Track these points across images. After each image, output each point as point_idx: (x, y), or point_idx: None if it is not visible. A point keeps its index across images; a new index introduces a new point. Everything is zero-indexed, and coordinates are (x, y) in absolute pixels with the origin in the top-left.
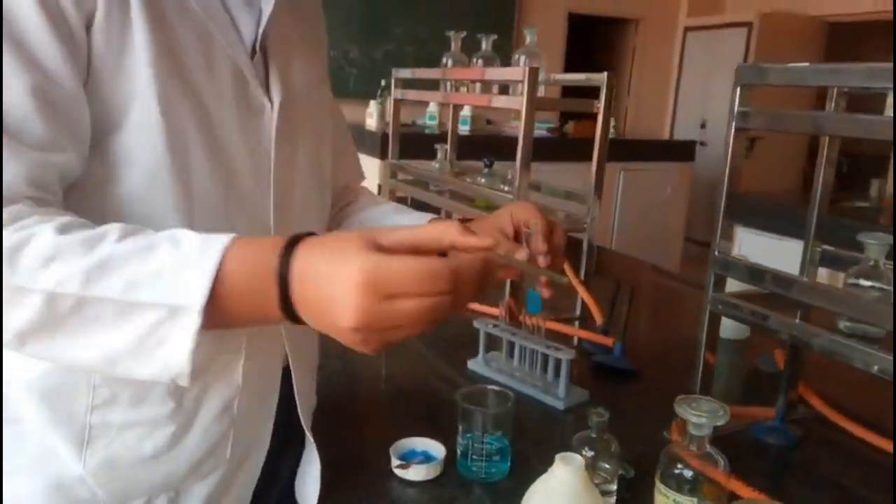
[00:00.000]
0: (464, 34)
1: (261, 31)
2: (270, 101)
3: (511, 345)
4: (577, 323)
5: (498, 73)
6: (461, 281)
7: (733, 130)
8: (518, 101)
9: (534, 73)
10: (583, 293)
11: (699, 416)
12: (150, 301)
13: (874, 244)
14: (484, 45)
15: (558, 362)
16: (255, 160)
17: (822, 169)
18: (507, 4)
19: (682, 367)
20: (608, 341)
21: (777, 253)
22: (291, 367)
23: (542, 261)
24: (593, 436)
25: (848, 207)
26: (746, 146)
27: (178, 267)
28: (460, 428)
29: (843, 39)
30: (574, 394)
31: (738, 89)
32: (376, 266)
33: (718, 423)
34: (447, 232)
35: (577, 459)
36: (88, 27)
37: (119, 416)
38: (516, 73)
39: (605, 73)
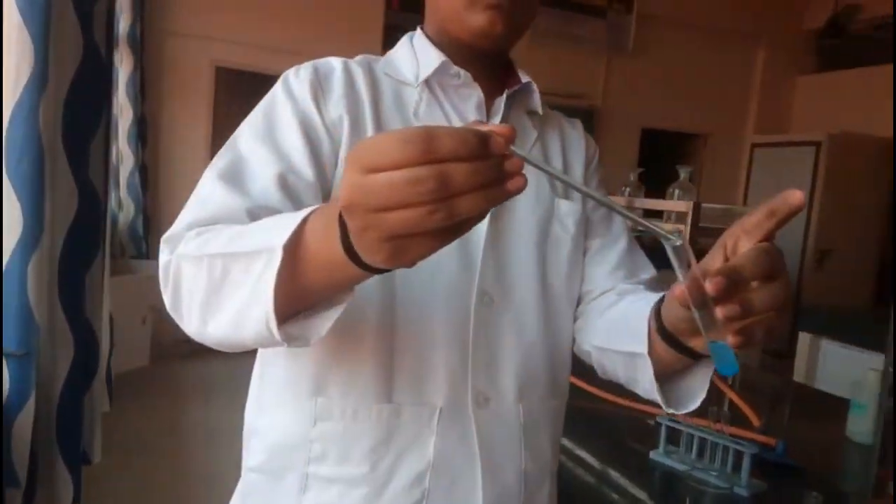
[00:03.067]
0: None
1: None
2: None
3: (691, 438)
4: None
5: (664, 205)
6: (442, 145)
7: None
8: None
9: (696, 206)
10: (733, 397)
11: None
12: (243, 250)
13: None
14: (632, 177)
15: (737, 455)
16: (464, 259)
17: None
18: (585, 122)
19: (839, 465)
20: (770, 441)
21: (858, 365)
22: (479, 459)
23: (709, 287)
24: None
25: None
26: (818, 258)
27: (268, 226)
28: None
29: None
30: (753, 485)
31: None
32: (362, 143)
33: None
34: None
35: None
36: (338, 137)
37: (327, 470)
38: (682, 206)
39: (691, 203)
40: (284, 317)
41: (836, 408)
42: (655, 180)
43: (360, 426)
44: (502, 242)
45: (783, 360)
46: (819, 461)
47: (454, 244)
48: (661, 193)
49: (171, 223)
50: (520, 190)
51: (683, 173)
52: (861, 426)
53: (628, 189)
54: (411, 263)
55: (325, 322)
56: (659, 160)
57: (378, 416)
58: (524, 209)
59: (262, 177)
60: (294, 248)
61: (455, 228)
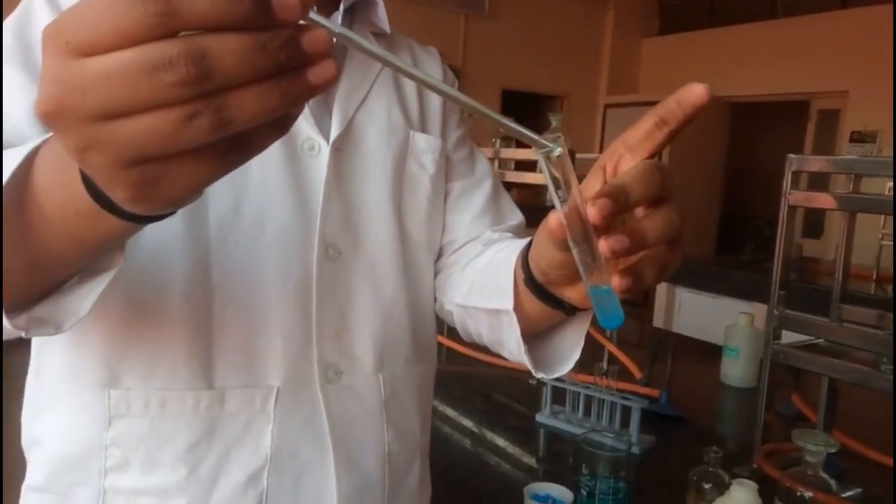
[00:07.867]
0: None
1: None
2: (327, 140)
3: (576, 396)
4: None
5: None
6: (191, 2)
7: (787, 207)
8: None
9: (571, 154)
10: (613, 350)
11: (817, 445)
12: None
13: None
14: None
15: (624, 411)
16: (300, 203)
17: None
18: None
19: (719, 410)
20: (654, 392)
21: (712, 310)
22: (332, 446)
23: (591, 213)
24: (710, 470)
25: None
26: None
27: None
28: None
29: (745, 117)
30: (643, 440)
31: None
32: (65, 12)
33: (832, 451)
34: None
35: (752, 485)
36: None
37: (131, 481)
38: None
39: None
40: (19, 295)
41: (703, 352)
42: (519, 141)
43: (171, 421)
44: (348, 180)
45: (637, 308)
46: (699, 408)
47: (284, 183)
48: (527, 150)
49: None
50: (330, 83)
51: (555, 121)
52: (734, 370)
53: (498, 140)
54: (175, 203)
55: (83, 300)
56: (520, 122)
57: (195, 405)
58: (375, 139)
59: (17, 110)
60: (19, 193)
61: (234, 145)
